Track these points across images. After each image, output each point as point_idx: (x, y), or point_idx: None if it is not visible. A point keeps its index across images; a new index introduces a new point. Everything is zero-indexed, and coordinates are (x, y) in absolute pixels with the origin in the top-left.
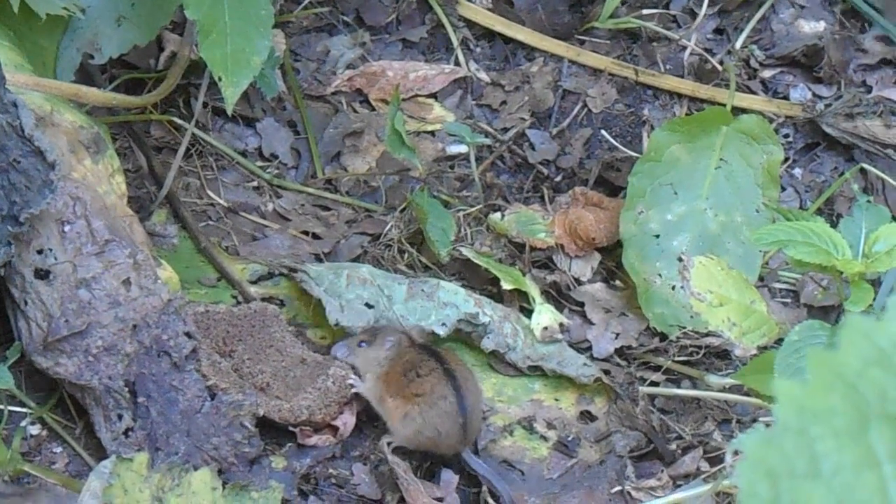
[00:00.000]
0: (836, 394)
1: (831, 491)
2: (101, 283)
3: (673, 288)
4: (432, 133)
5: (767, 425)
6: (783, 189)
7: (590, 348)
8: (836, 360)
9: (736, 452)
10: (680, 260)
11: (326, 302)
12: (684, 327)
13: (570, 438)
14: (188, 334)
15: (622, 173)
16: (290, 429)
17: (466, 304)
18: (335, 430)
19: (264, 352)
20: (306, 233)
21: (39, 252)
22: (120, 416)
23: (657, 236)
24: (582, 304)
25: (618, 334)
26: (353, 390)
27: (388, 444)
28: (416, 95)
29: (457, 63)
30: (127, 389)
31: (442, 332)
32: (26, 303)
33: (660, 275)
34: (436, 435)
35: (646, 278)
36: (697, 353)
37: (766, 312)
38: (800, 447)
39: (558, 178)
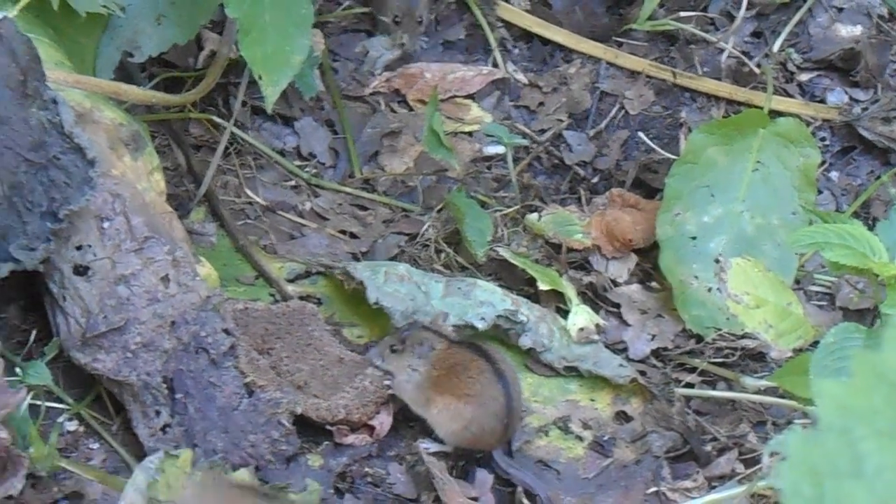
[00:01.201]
0: (878, 394)
1: (874, 491)
2: (140, 280)
3: (709, 290)
4: (470, 134)
5: (804, 427)
6: (819, 192)
7: (626, 349)
8: (878, 361)
9: (773, 454)
10: (717, 262)
11: (368, 283)
12: (720, 329)
13: (605, 439)
14: (226, 331)
15: (659, 175)
16: (327, 427)
17: (503, 303)
18: (372, 429)
19: (302, 350)
20: (344, 232)
21: (78, 248)
22: (158, 413)
23: (694, 238)
24: (618, 306)
25: (654, 336)
26: (389, 391)
27: (426, 449)
28: (454, 97)
29: (494, 64)
30: (165, 386)
31: (481, 325)
32: (65, 299)
33: (696, 277)
34: (480, 433)
35: (682, 280)
36: (733, 355)
37: (802, 315)
38: (843, 447)
39: (595, 180)
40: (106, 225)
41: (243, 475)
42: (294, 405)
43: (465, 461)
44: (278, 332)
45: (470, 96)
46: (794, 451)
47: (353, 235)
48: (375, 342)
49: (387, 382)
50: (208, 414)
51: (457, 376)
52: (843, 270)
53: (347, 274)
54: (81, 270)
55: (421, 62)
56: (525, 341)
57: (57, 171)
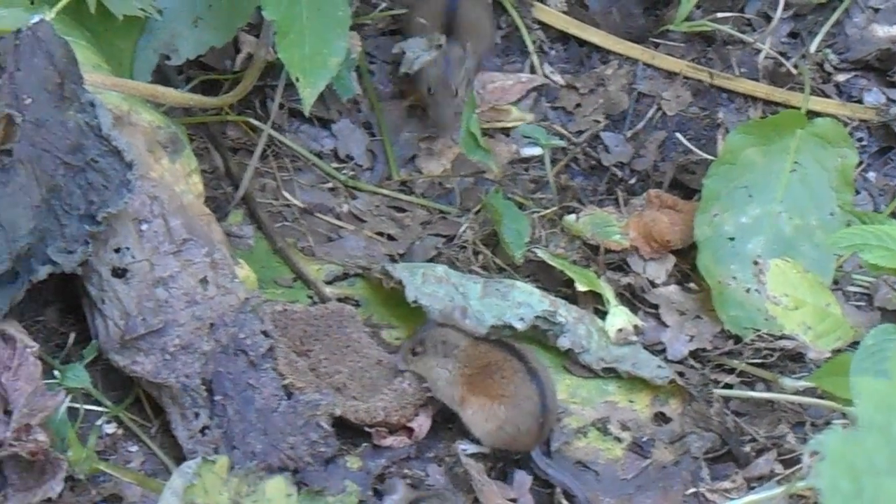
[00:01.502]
0: None
1: None
2: (179, 282)
3: (748, 290)
4: (507, 135)
5: (843, 427)
6: (857, 193)
7: (664, 350)
8: None
9: (812, 453)
10: (756, 263)
11: (406, 282)
12: (759, 330)
13: (644, 440)
14: (265, 333)
15: (697, 176)
16: (366, 429)
17: (542, 305)
18: (410, 431)
19: (341, 352)
20: (381, 234)
21: (117, 251)
22: (197, 415)
23: (732, 239)
24: (656, 307)
25: (692, 337)
26: (428, 394)
27: (464, 450)
28: (494, 105)
29: (531, 66)
30: (204, 388)
31: (520, 326)
32: (104, 301)
33: (734, 277)
34: (515, 433)
35: (720, 281)
36: (772, 356)
37: (840, 316)
38: (882, 444)
39: (632, 181)
40: (144, 227)
41: (280, 482)
42: (333, 407)
43: (503, 462)
44: (317, 333)
45: (509, 103)
46: (833, 449)
47: (390, 237)
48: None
49: (426, 385)
50: (247, 416)
51: (490, 376)
52: (881, 271)
53: (386, 273)
54: (120, 273)
55: None
56: (563, 342)
57: (95, 174)
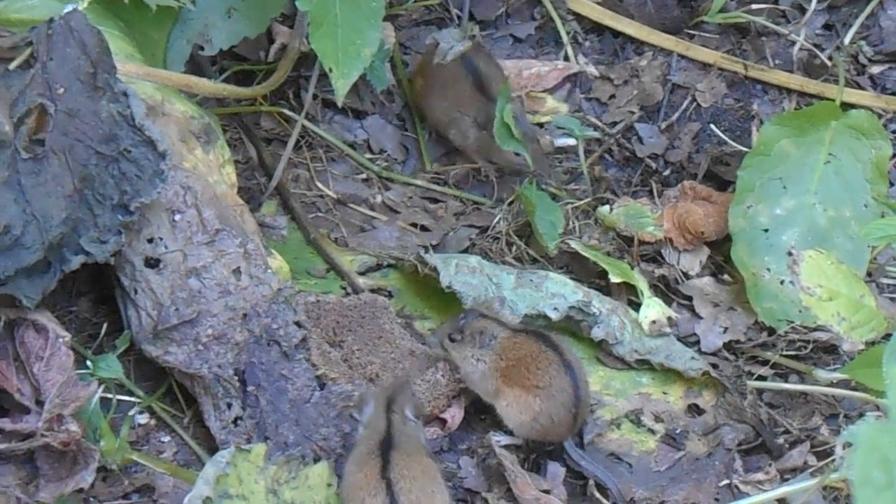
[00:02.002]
0: None
1: None
2: (212, 273)
3: (782, 282)
4: (542, 126)
5: (877, 419)
6: (891, 184)
7: (698, 342)
8: None
9: (845, 445)
10: (790, 254)
11: (441, 268)
12: (793, 322)
13: (678, 431)
14: (298, 323)
15: (731, 168)
16: None
17: (575, 296)
18: (443, 422)
19: (374, 343)
20: (414, 225)
21: (150, 241)
22: (229, 405)
23: (766, 230)
24: (690, 299)
25: (726, 328)
26: (461, 385)
27: (497, 442)
28: (529, 92)
29: (566, 57)
30: (237, 378)
31: (554, 315)
32: (136, 291)
33: (768, 269)
34: (549, 424)
35: (755, 272)
36: (805, 348)
37: (875, 307)
38: None
39: (667, 172)
40: (177, 217)
41: (323, 469)
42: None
43: (536, 454)
44: (350, 325)
45: (545, 90)
46: (865, 439)
47: (423, 228)
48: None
49: (459, 376)
50: (280, 406)
51: (525, 367)
52: None
53: (421, 259)
54: (153, 263)
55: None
56: (597, 333)
57: (128, 164)
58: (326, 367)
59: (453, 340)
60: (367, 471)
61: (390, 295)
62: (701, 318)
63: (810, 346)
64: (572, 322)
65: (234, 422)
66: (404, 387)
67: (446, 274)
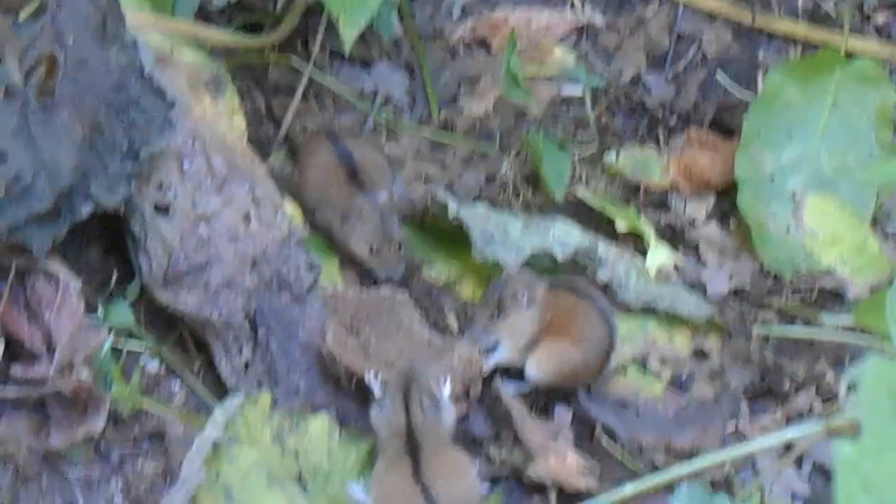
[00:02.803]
0: None
1: None
2: (221, 219)
3: (787, 229)
4: (549, 77)
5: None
6: None
7: (704, 289)
8: None
9: (850, 386)
10: (794, 198)
11: (451, 202)
12: (798, 268)
13: (684, 377)
14: (311, 265)
15: (737, 116)
16: None
17: (581, 241)
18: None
19: (391, 334)
20: (422, 173)
21: (159, 188)
22: (240, 350)
23: (771, 178)
24: (696, 246)
25: (732, 275)
26: (488, 367)
27: (505, 389)
28: (539, 42)
29: (572, 6)
30: (247, 323)
31: (560, 255)
32: (146, 239)
33: (774, 216)
34: (584, 370)
35: (760, 220)
36: (811, 294)
37: (878, 251)
38: None
39: (673, 121)
40: (186, 165)
41: (323, 420)
42: None
43: (545, 400)
44: (368, 316)
45: (552, 40)
46: (872, 373)
47: (430, 177)
48: (469, 322)
49: (482, 366)
50: (291, 352)
51: (568, 319)
52: None
53: (432, 197)
54: (162, 210)
55: (502, 7)
56: (602, 276)
57: (137, 113)
58: (343, 353)
59: (494, 318)
60: (398, 476)
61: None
62: (707, 264)
63: (816, 293)
64: (578, 266)
65: (245, 367)
66: (414, 376)
67: (454, 207)
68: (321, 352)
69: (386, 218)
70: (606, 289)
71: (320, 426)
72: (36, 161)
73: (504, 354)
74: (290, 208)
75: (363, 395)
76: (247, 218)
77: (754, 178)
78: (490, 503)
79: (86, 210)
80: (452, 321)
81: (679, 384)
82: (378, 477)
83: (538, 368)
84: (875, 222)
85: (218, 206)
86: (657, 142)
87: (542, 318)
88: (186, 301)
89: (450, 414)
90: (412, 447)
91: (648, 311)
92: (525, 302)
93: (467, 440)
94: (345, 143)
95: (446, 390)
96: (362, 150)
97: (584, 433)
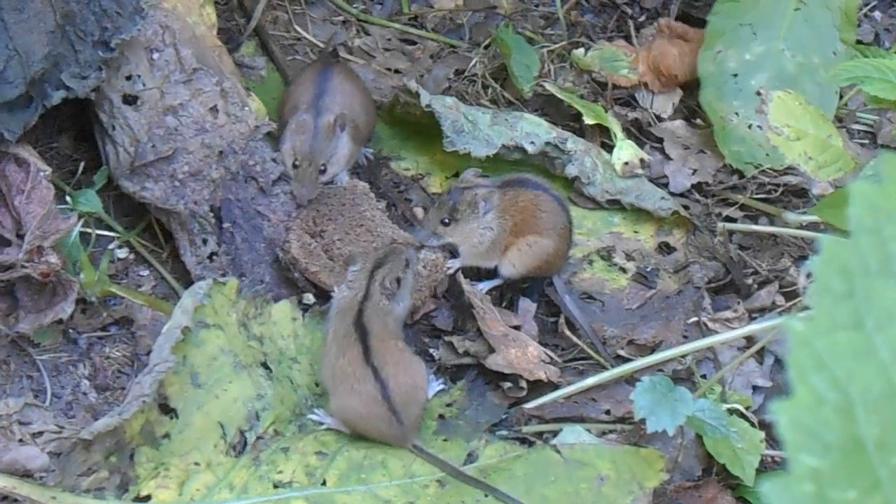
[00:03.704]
0: None
1: None
2: (188, 110)
3: (749, 126)
4: None
5: None
6: (859, 24)
7: (668, 184)
8: None
9: (809, 275)
10: (759, 94)
11: (422, 92)
12: (760, 165)
13: (648, 269)
14: (275, 160)
15: (703, 13)
16: None
17: (549, 135)
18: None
19: (354, 231)
20: (391, 69)
21: (128, 78)
22: (205, 241)
23: (735, 75)
24: (662, 141)
25: (695, 170)
26: (451, 271)
27: (478, 287)
28: None
29: None
30: (212, 215)
31: (531, 148)
32: (114, 128)
33: (736, 113)
34: (555, 260)
35: (722, 116)
36: (775, 191)
37: (841, 147)
38: (874, 246)
39: (642, 18)
40: (155, 56)
41: (286, 305)
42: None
43: (511, 293)
44: (330, 213)
45: None
46: (826, 251)
47: (399, 71)
48: (419, 224)
49: (450, 264)
50: (255, 245)
51: (531, 215)
52: (882, 104)
53: (405, 87)
54: (131, 100)
55: None
56: (571, 170)
57: (109, 1)
58: (307, 259)
59: (448, 224)
60: (349, 357)
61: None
62: (671, 158)
63: (780, 190)
64: (547, 159)
65: (210, 257)
66: (399, 256)
67: (426, 96)
68: (280, 257)
69: (320, 139)
70: (573, 182)
71: (284, 311)
72: (8, 48)
73: (464, 261)
74: (257, 102)
75: (324, 293)
76: (214, 110)
77: (717, 76)
78: (454, 394)
79: (56, 97)
80: (420, 214)
81: (644, 277)
82: (329, 360)
83: (513, 267)
84: (840, 120)
85: (186, 97)
86: (626, 39)
87: (504, 223)
88: (153, 190)
89: (404, 306)
90: (361, 332)
91: (614, 204)
92: (483, 210)
93: (433, 333)
94: (332, 68)
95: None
96: (341, 77)
97: (548, 325)
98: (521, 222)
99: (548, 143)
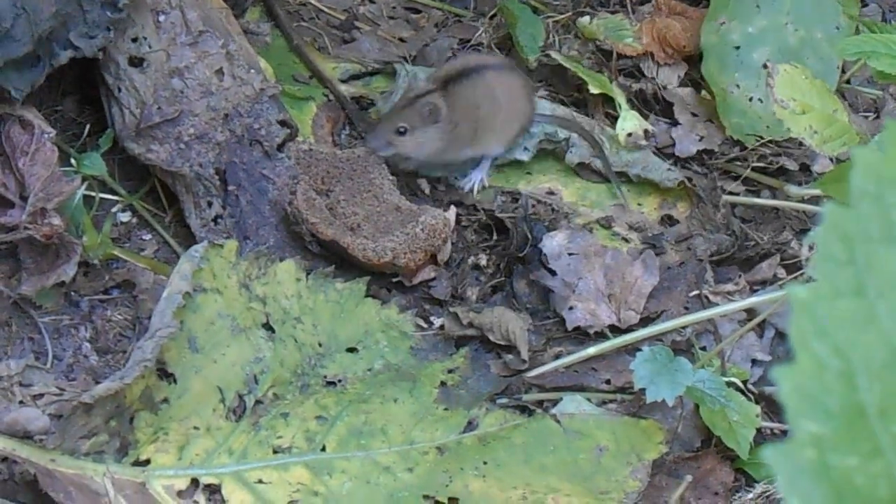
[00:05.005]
0: None
1: None
2: (194, 73)
3: (750, 99)
4: None
5: None
6: (866, 5)
7: (673, 148)
8: None
9: (812, 247)
10: (765, 67)
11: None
12: (761, 137)
13: (651, 236)
14: (282, 122)
15: None
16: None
17: (555, 109)
18: (434, 259)
19: (361, 195)
20: (395, 36)
21: (134, 41)
22: (210, 204)
23: (737, 48)
24: (667, 112)
25: (702, 137)
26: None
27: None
28: None
29: None
30: (217, 177)
31: (526, 157)
32: (120, 90)
33: (738, 85)
34: (527, 123)
35: (724, 88)
36: (777, 164)
37: (847, 122)
38: (876, 213)
39: None
40: (162, 18)
41: (290, 265)
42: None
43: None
44: (340, 175)
45: None
46: (828, 218)
47: (404, 40)
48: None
49: (449, 219)
50: (260, 208)
51: (488, 98)
52: (888, 80)
53: (396, 73)
54: (136, 62)
55: None
56: (572, 158)
57: None
58: (309, 212)
59: (402, 133)
60: None
61: (372, 103)
62: (679, 124)
63: (783, 163)
64: (546, 151)
65: (214, 220)
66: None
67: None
68: (286, 210)
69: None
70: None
71: (288, 270)
72: (16, 6)
73: (428, 161)
74: (264, 65)
75: (328, 254)
76: (220, 73)
77: (720, 48)
78: (457, 360)
79: (64, 56)
80: (425, 187)
81: (652, 246)
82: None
83: (486, 145)
84: (843, 96)
85: (192, 59)
86: (628, 10)
87: (464, 117)
88: (158, 153)
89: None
90: None
91: (621, 177)
92: (431, 118)
93: (432, 301)
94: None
95: None
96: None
97: (543, 294)
98: (488, 113)
99: (542, 140)
